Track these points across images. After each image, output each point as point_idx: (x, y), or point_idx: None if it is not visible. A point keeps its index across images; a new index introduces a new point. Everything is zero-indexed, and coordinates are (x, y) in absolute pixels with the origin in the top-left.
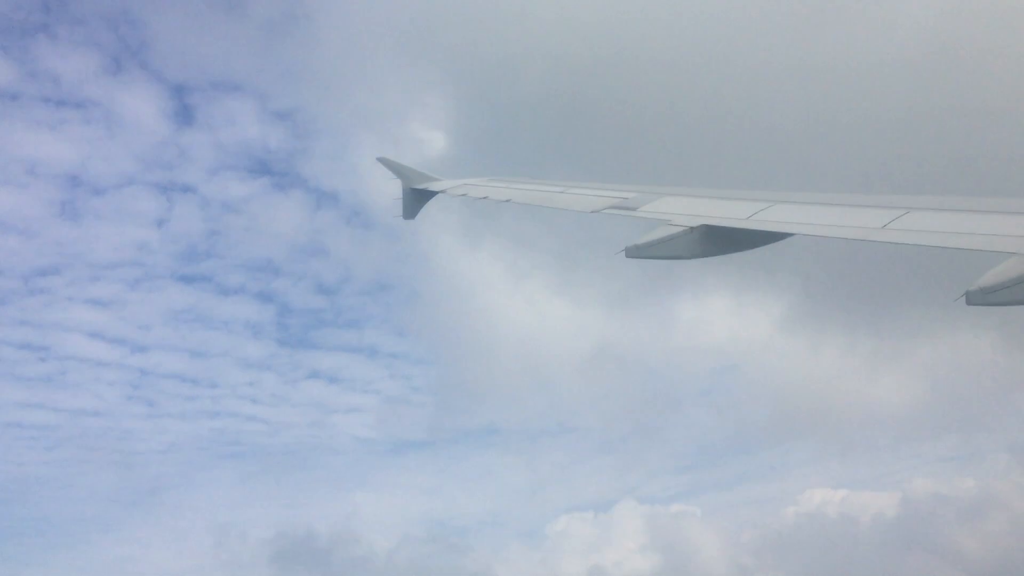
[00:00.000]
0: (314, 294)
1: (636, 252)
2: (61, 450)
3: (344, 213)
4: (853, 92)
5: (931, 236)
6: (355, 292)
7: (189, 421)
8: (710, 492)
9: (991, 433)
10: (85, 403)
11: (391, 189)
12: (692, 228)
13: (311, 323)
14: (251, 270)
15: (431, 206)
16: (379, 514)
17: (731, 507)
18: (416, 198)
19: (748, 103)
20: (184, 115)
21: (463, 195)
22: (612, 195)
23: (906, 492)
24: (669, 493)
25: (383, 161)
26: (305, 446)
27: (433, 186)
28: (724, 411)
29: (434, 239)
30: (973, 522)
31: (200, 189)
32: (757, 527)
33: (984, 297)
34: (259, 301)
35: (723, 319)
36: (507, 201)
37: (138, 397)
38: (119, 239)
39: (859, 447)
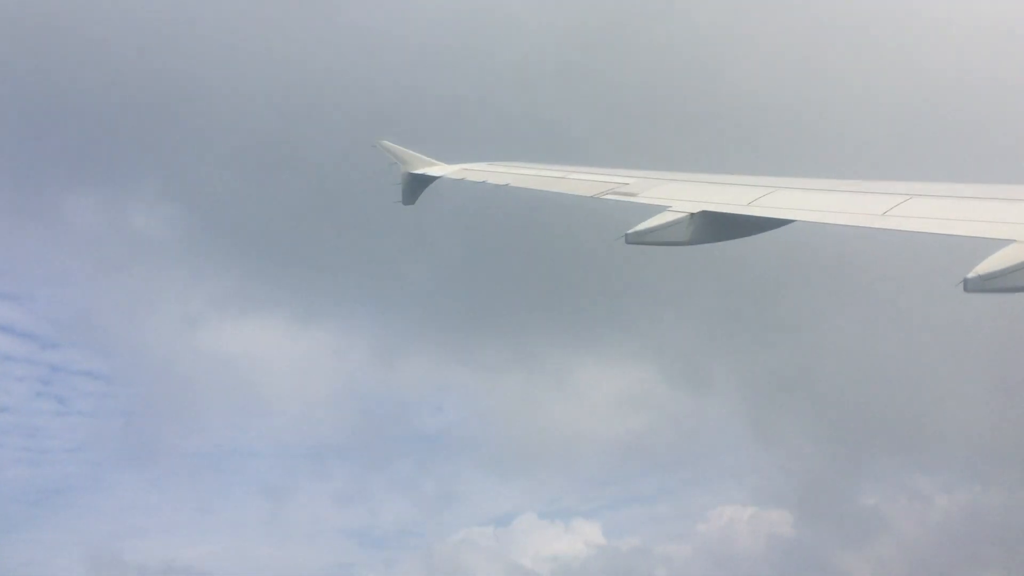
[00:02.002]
0: None
1: (636, 238)
2: None
3: None
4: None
5: (931, 223)
6: None
7: (101, 419)
8: (628, 506)
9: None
10: None
11: (391, 174)
12: (692, 214)
13: None
14: None
15: (433, 191)
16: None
17: (639, 523)
18: (415, 183)
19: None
20: None
21: (462, 179)
22: (612, 180)
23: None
24: (585, 507)
25: (382, 145)
26: (223, 449)
27: (432, 171)
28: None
29: None
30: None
31: None
32: (654, 544)
33: (982, 284)
34: None
35: None
36: (505, 186)
37: (48, 393)
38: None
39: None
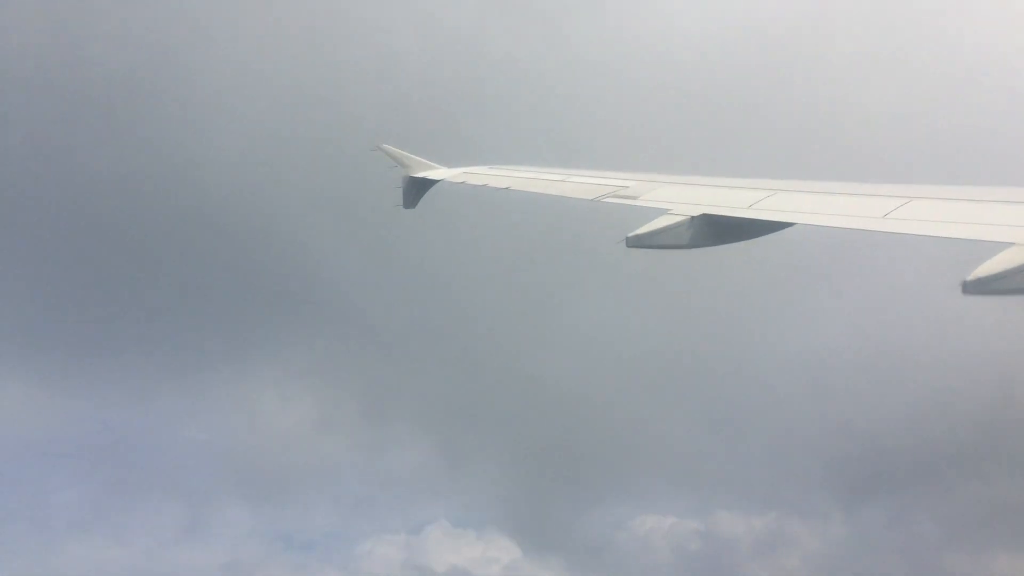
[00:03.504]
0: None
1: (636, 242)
2: None
3: None
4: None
5: (931, 225)
6: None
7: None
8: (550, 515)
9: None
10: None
11: (393, 177)
12: (693, 217)
13: None
14: None
15: (434, 194)
16: None
17: (552, 534)
18: (416, 187)
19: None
20: None
21: (462, 183)
22: (612, 183)
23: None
24: (500, 516)
25: (384, 149)
26: None
27: (432, 174)
28: None
29: None
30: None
31: None
32: (573, 552)
33: (981, 287)
34: None
35: None
36: (506, 189)
37: None
38: None
39: None
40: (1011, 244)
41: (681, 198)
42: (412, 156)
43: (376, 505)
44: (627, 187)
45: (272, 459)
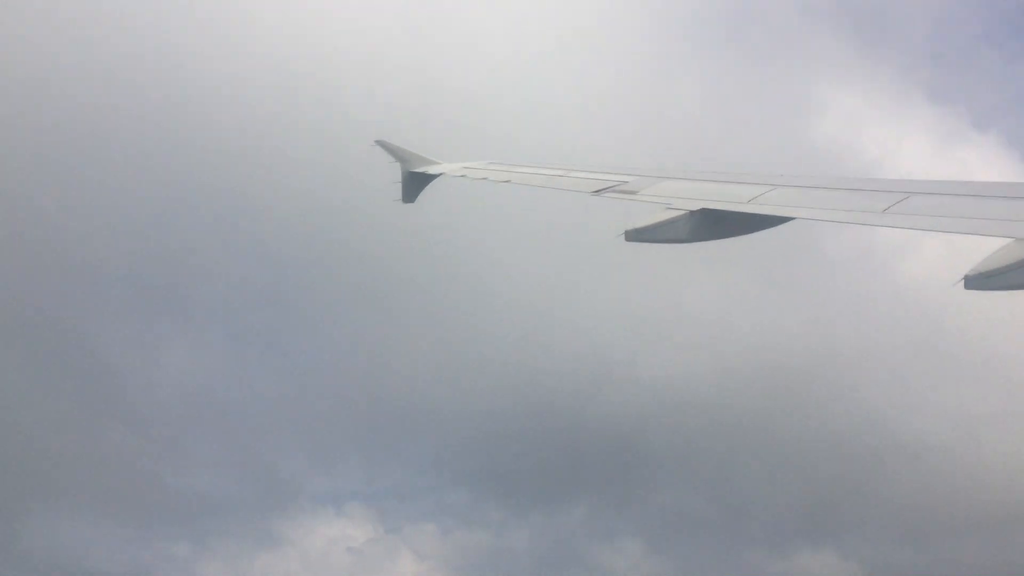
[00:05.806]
0: None
1: (635, 236)
2: None
3: None
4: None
5: (931, 220)
6: None
7: None
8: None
9: None
10: None
11: (391, 172)
12: (692, 212)
13: None
14: None
15: (433, 189)
16: None
17: (435, 535)
18: (415, 181)
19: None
20: None
21: (462, 177)
22: (612, 179)
23: None
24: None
25: (382, 144)
26: None
27: (432, 169)
28: None
29: None
30: None
31: None
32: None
33: (983, 282)
34: None
35: None
36: (506, 183)
37: None
38: None
39: None
40: (1010, 239)
41: (681, 193)
42: (410, 151)
43: None
44: (627, 182)
45: None
